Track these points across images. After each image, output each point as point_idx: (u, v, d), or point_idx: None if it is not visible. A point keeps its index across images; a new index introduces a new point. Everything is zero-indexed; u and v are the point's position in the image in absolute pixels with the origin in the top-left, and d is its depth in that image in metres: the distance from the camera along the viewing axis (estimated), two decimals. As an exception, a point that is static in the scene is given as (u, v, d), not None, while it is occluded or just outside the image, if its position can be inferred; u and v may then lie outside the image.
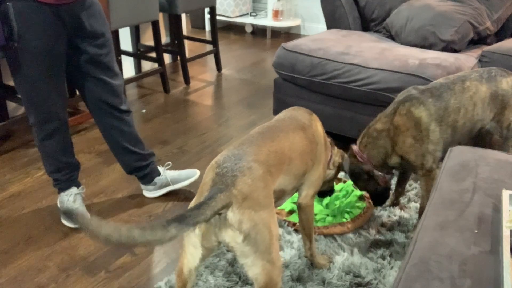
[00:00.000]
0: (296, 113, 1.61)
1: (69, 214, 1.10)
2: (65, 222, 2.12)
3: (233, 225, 1.21)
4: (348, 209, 2.12)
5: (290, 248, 1.91)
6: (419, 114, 1.81)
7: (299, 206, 1.68)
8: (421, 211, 1.99)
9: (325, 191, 1.93)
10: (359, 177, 1.98)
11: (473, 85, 1.85)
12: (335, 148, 1.82)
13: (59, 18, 1.79)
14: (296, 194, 1.71)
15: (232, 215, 1.20)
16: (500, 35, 3.01)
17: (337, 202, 2.17)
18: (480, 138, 1.88)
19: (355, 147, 1.96)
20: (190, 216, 1.12)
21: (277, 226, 1.32)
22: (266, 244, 1.25)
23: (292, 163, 1.46)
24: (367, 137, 1.93)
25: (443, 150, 1.86)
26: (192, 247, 1.29)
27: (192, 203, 1.31)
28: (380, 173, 1.95)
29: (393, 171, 2.02)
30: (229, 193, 1.20)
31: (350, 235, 2.00)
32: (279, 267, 1.30)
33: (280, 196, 1.50)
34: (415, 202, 2.22)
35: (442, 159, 1.91)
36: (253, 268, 1.26)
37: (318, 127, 1.64)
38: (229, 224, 1.21)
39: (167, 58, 4.43)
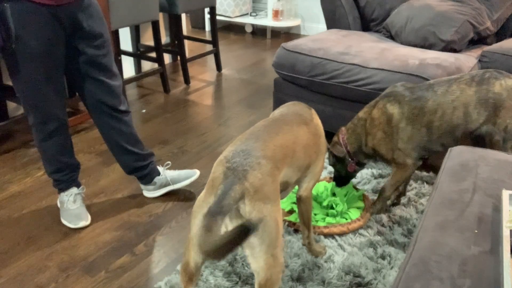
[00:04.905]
0: (297, 108, 1.64)
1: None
2: (65, 222, 2.12)
3: (244, 216, 1.24)
4: (347, 210, 2.12)
5: (290, 248, 1.91)
6: (392, 110, 1.91)
7: (299, 198, 1.70)
8: (381, 191, 2.09)
9: None
10: (333, 155, 2.12)
11: (459, 88, 1.87)
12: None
13: (57, 19, 1.79)
14: (295, 195, 1.73)
15: (243, 206, 1.24)
16: (500, 35, 3.01)
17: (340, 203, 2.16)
18: (478, 140, 1.88)
19: (343, 129, 2.09)
20: (225, 205, 1.20)
21: (282, 222, 1.35)
22: (272, 238, 1.27)
23: (296, 155, 1.49)
24: (351, 122, 2.08)
25: (419, 148, 1.93)
26: None
27: (202, 195, 1.33)
28: (351, 160, 2.08)
29: (366, 162, 2.14)
30: (242, 186, 1.23)
31: (350, 235, 2.00)
32: (281, 264, 1.32)
33: (284, 188, 1.52)
34: (415, 202, 2.22)
35: (422, 157, 1.95)
36: (257, 260, 1.28)
37: (319, 120, 1.70)
38: (239, 215, 1.24)
39: (167, 58, 4.43)
